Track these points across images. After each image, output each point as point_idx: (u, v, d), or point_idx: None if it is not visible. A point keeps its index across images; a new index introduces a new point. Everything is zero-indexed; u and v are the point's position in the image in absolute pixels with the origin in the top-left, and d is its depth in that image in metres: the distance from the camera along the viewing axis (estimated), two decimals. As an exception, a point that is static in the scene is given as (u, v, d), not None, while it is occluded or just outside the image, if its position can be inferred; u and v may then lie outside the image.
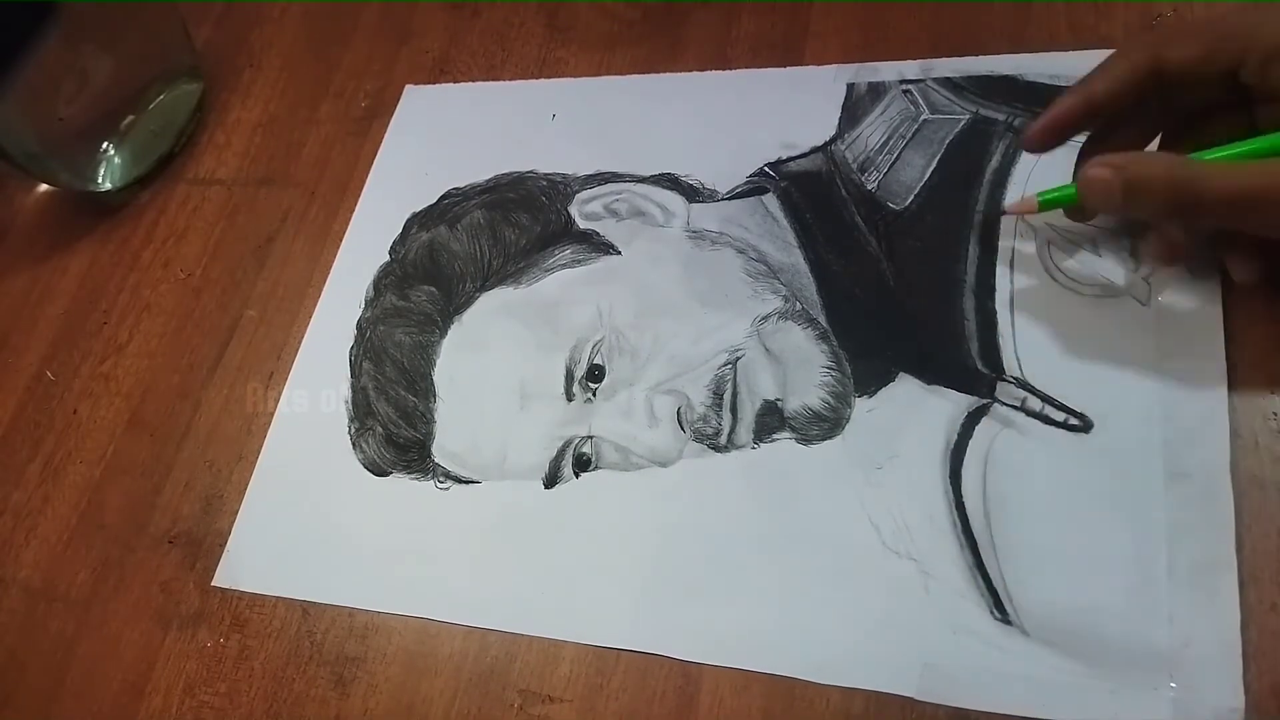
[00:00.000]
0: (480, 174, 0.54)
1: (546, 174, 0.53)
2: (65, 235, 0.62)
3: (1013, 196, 0.44)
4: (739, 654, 0.39)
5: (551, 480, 0.44)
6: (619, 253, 0.49)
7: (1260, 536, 0.35)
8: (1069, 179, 0.42)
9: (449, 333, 0.49)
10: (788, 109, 0.50)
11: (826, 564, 0.39)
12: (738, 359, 0.44)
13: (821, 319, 0.44)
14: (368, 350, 0.51)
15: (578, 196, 0.51)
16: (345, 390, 0.50)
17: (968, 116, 0.47)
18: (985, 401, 0.40)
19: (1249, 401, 0.37)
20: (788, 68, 0.52)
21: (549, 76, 0.57)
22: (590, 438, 0.44)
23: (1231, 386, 0.37)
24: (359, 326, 0.51)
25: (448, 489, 0.46)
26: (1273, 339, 0.38)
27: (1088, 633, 0.35)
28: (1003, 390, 0.40)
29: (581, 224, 0.50)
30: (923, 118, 0.48)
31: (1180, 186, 0.34)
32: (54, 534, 0.51)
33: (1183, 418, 0.38)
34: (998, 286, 0.42)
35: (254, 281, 0.56)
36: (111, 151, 0.61)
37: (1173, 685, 0.34)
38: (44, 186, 0.64)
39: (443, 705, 0.41)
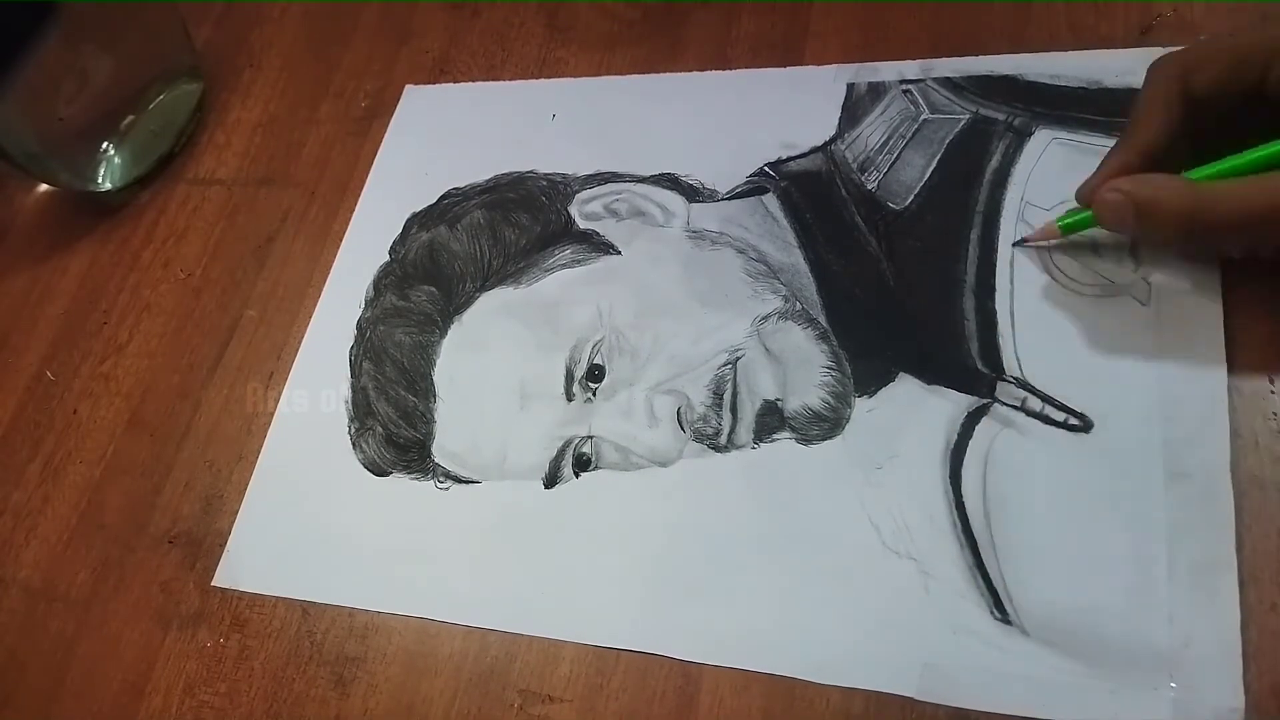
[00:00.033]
0: (480, 174, 0.54)
1: (546, 174, 0.53)
2: (65, 235, 0.62)
3: (1013, 196, 0.44)
4: (739, 654, 0.39)
5: (551, 480, 0.44)
6: (619, 253, 0.49)
7: (1260, 536, 0.35)
8: (1067, 179, 0.43)
9: (449, 333, 0.49)
10: (788, 109, 0.50)
11: (826, 564, 0.39)
12: (738, 359, 0.44)
13: (821, 319, 0.44)
14: (368, 350, 0.51)
15: (578, 196, 0.51)
16: (345, 390, 0.50)
17: (968, 116, 0.47)
18: (985, 401, 0.40)
19: (1249, 401, 0.37)
20: (788, 68, 0.52)
21: (549, 76, 0.57)
22: (590, 438, 0.44)
23: (1232, 386, 0.37)
24: (359, 326, 0.51)
25: (448, 489, 0.46)
26: (1273, 339, 0.38)
27: (1088, 633, 0.35)
28: (1003, 390, 0.40)
29: (581, 224, 0.50)
30: (923, 118, 0.48)
31: (1189, 210, 0.35)
32: (54, 534, 0.51)
33: (1183, 418, 0.38)
34: (998, 286, 0.42)
35: (254, 281, 0.56)
36: (111, 151, 0.61)
37: (1173, 685, 0.34)
38: (44, 186, 0.64)
39: (443, 705, 0.41)
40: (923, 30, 0.50)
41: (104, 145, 0.60)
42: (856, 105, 0.49)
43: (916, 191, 0.46)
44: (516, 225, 0.51)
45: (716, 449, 0.43)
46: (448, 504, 0.45)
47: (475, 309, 0.49)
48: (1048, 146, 0.45)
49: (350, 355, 0.51)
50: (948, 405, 0.41)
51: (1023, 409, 0.40)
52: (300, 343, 0.52)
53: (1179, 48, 0.38)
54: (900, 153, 0.47)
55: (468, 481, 0.46)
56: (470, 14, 0.61)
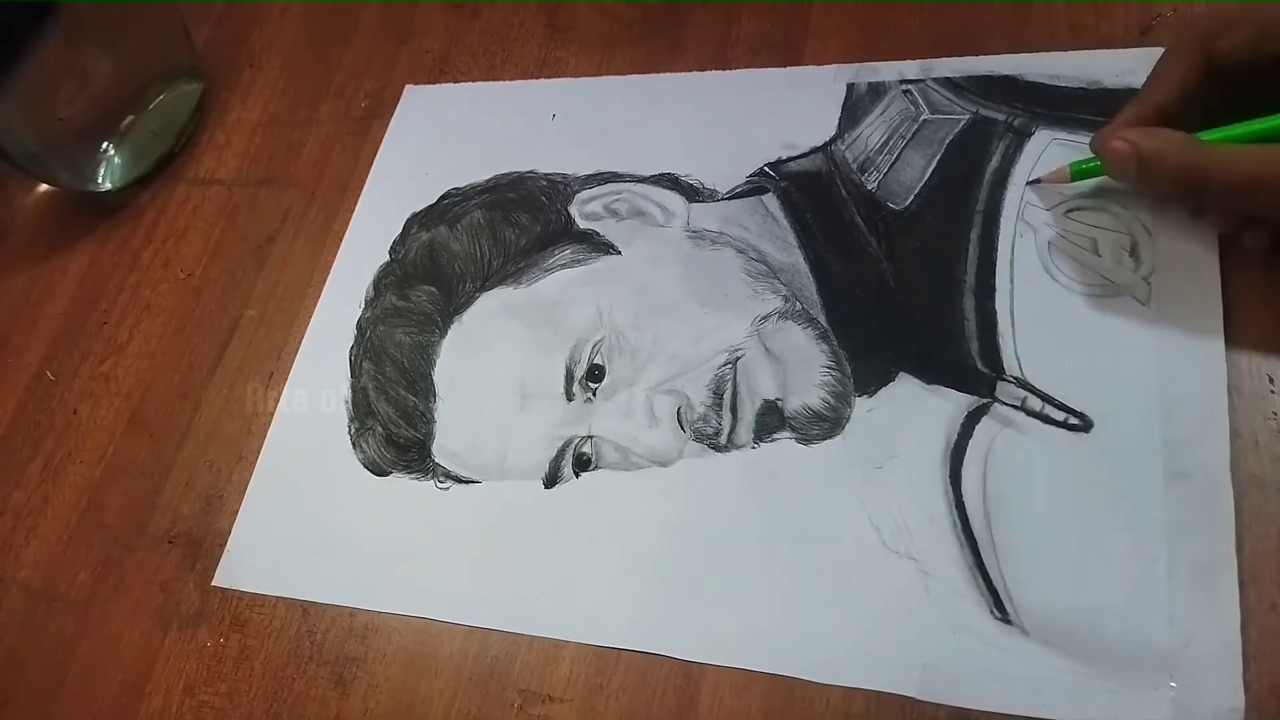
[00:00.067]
0: (480, 174, 0.54)
1: (546, 174, 0.53)
2: (65, 235, 0.62)
3: (1013, 196, 0.44)
4: (739, 654, 0.39)
5: (551, 480, 0.44)
6: (619, 253, 0.49)
7: (1260, 536, 0.35)
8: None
9: (449, 333, 0.49)
10: (788, 109, 0.50)
11: (826, 564, 0.39)
12: (738, 359, 0.44)
13: (821, 319, 0.44)
14: (368, 350, 0.51)
15: (578, 196, 0.51)
16: (345, 390, 0.50)
17: (968, 116, 0.47)
18: (985, 401, 0.40)
19: (1249, 401, 0.37)
20: (788, 68, 0.52)
21: (549, 76, 0.57)
22: (590, 438, 0.44)
23: (1231, 386, 0.37)
24: (359, 326, 0.51)
25: (448, 489, 0.46)
26: (1273, 338, 0.38)
27: (1088, 633, 0.35)
28: (1003, 390, 0.40)
29: (581, 224, 0.50)
30: (923, 118, 0.48)
31: (1189, 168, 0.36)
32: (54, 534, 0.51)
33: (1183, 418, 0.38)
34: (998, 286, 0.42)
35: (254, 281, 0.56)
36: (111, 151, 0.61)
37: (1173, 685, 0.34)
38: (44, 186, 0.64)
39: (443, 705, 0.41)
40: (923, 30, 0.50)
41: (104, 145, 0.60)
42: (856, 105, 0.49)
43: (916, 191, 0.46)
44: (516, 225, 0.51)
45: (716, 449, 0.43)
46: (448, 504, 0.45)
47: (475, 309, 0.49)
48: (1048, 147, 0.45)
49: (350, 355, 0.51)
50: (948, 405, 0.41)
51: (1023, 409, 0.40)
52: (300, 343, 0.52)
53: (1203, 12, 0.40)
54: (900, 153, 0.47)
55: (468, 481, 0.46)
56: (470, 14, 0.61)
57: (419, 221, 0.54)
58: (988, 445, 0.39)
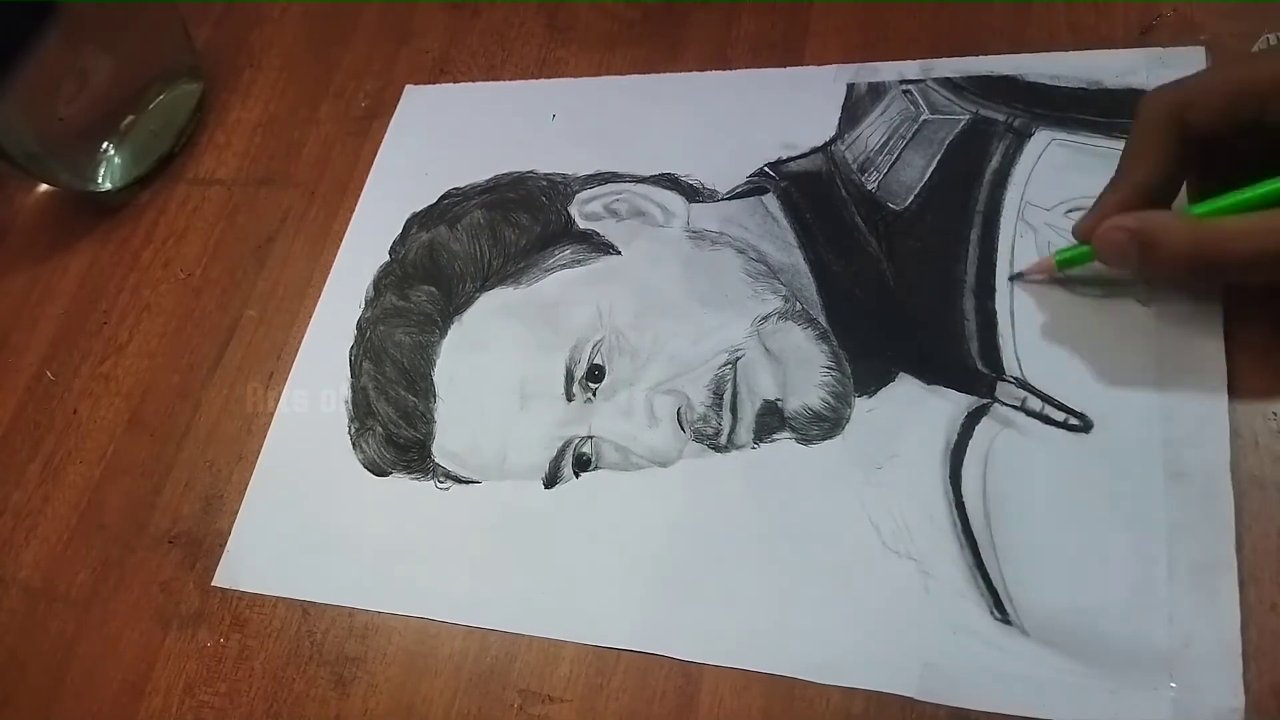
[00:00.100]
0: (480, 174, 0.54)
1: (546, 174, 0.53)
2: (65, 235, 0.62)
3: (1013, 196, 0.44)
4: (739, 654, 0.39)
5: (551, 480, 0.44)
6: (619, 253, 0.49)
7: (1260, 536, 0.35)
8: (1067, 179, 0.43)
9: (449, 333, 0.49)
10: (788, 109, 0.50)
11: (826, 564, 0.39)
12: (738, 359, 0.44)
13: (821, 319, 0.44)
14: (368, 350, 0.51)
15: (578, 196, 0.51)
16: (345, 390, 0.50)
17: (968, 116, 0.47)
18: (985, 401, 0.40)
19: (1249, 401, 0.37)
20: (788, 68, 0.52)
21: (549, 76, 0.57)
22: (590, 438, 0.44)
23: (1231, 386, 0.37)
24: (359, 326, 0.51)
25: (448, 489, 0.46)
26: (1273, 339, 0.38)
27: (1088, 633, 0.35)
28: (1003, 390, 0.40)
29: (581, 224, 0.50)
30: (923, 118, 0.48)
31: (1199, 248, 0.35)
32: (54, 534, 0.51)
33: (1183, 418, 0.38)
34: (998, 286, 0.42)
35: (254, 281, 0.56)
36: (111, 151, 0.61)
37: (1173, 685, 0.34)
38: (44, 186, 0.64)
39: (443, 705, 0.41)
40: (923, 30, 0.50)
41: (104, 145, 0.60)
42: (856, 105, 0.49)
43: (916, 192, 0.46)
44: (516, 225, 0.51)
45: (716, 449, 0.43)
46: (448, 504, 0.45)
47: (475, 309, 0.49)
48: (1048, 147, 0.45)
49: (350, 355, 0.51)
50: (948, 405, 0.41)
51: (1023, 409, 0.40)
52: (300, 343, 0.52)
53: (1170, 82, 0.37)
54: (900, 153, 0.47)
55: (468, 481, 0.46)
56: (470, 14, 0.61)
57: (419, 221, 0.54)
58: (988, 445, 0.39)
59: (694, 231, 0.48)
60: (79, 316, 0.58)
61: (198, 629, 0.46)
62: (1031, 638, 0.36)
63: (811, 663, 0.38)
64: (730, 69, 0.53)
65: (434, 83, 0.59)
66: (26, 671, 0.47)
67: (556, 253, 0.50)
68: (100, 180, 0.61)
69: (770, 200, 0.48)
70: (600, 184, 0.51)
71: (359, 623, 0.44)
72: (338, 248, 0.55)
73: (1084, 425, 0.39)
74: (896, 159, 0.47)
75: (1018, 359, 0.41)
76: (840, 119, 0.49)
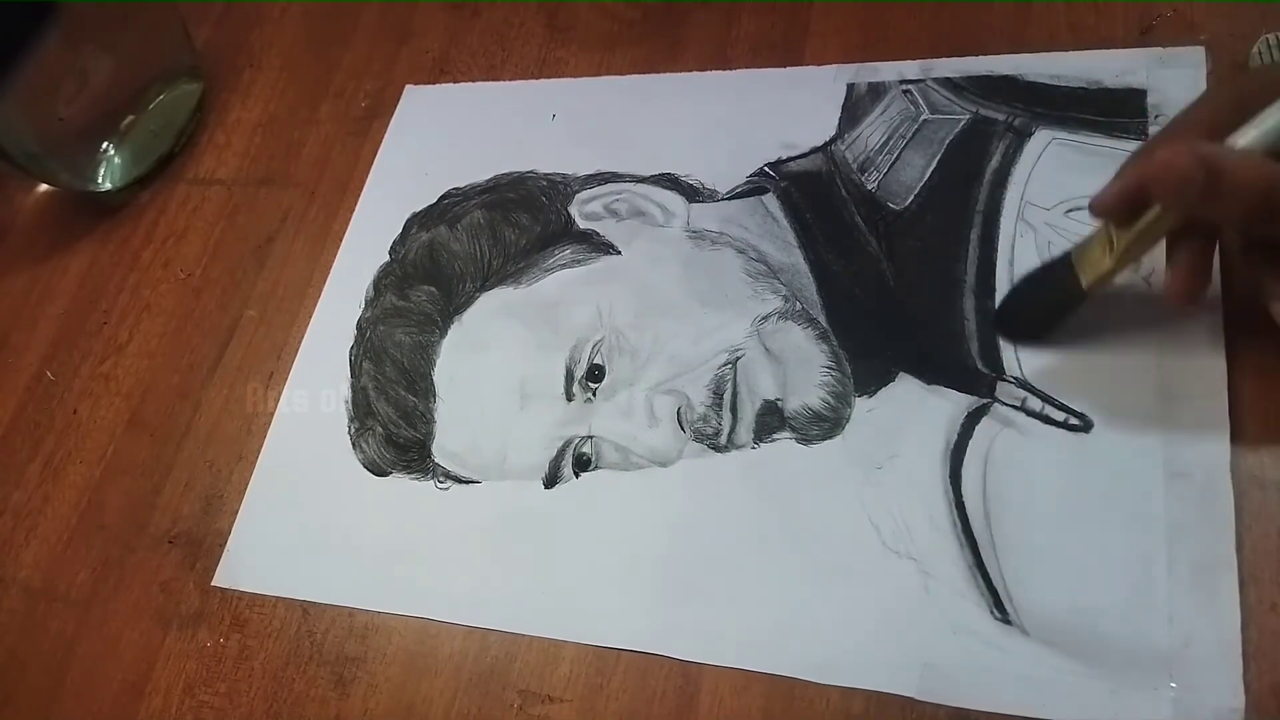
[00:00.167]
0: (480, 174, 0.54)
1: (546, 174, 0.53)
2: (65, 235, 0.62)
3: (1013, 196, 0.44)
4: (739, 654, 0.39)
5: (551, 480, 0.44)
6: (619, 253, 0.49)
7: (1260, 536, 0.35)
8: (1067, 179, 0.43)
9: (449, 333, 0.49)
10: (788, 109, 0.50)
11: (826, 564, 0.39)
12: (738, 359, 0.44)
13: (821, 319, 0.44)
14: (368, 350, 0.51)
15: (578, 196, 0.51)
16: (345, 390, 0.50)
17: (968, 116, 0.47)
18: (985, 401, 0.40)
19: (1249, 402, 0.37)
20: (788, 68, 0.52)
21: (549, 76, 0.57)
22: (590, 438, 0.44)
23: (1231, 386, 0.37)
24: (359, 326, 0.51)
25: (448, 489, 0.46)
26: (1273, 339, 0.38)
27: (1088, 633, 0.35)
28: (1003, 390, 0.40)
29: (581, 224, 0.50)
30: (923, 118, 0.48)
31: (1276, 188, 0.31)
32: (54, 534, 0.51)
33: (1183, 418, 0.38)
34: (998, 287, 0.42)
35: (254, 281, 0.56)
36: (111, 151, 0.61)
37: (1173, 685, 0.34)
38: (44, 186, 0.64)
39: (443, 705, 0.41)
40: (923, 30, 0.50)
41: (104, 145, 0.60)
42: (856, 105, 0.49)
43: (916, 191, 0.46)
44: (516, 225, 0.51)
45: (716, 449, 0.43)
46: (448, 504, 0.45)
47: (475, 309, 0.49)
48: (1048, 147, 0.45)
49: (350, 355, 0.51)
50: (948, 405, 0.41)
51: (1023, 409, 0.40)
52: (300, 343, 0.52)
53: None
54: (900, 153, 0.47)
55: (468, 481, 0.46)
56: (470, 14, 0.61)
57: (419, 221, 0.54)
58: (988, 445, 0.39)
59: (694, 231, 0.48)
60: (79, 316, 0.58)
61: (198, 629, 0.46)
62: (1031, 638, 0.36)
63: (811, 663, 0.38)
64: (730, 69, 0.53)
65: (434, 83, 0.59)
66: (26, 671, 0.47)
67: (556, 253, 0.50)
68: (100, 180, 0.61)
69: (770, 200, 0.48)
70: (600, 184, 0.51)
71: (359, 623, 0.44)
72: (338, 248, 0.55)
73: (1084, 425, 0.39)
74: (896, 159, 0.47)
75: (1018, 359, 0.41)
76: (840, 119, 0.49)
